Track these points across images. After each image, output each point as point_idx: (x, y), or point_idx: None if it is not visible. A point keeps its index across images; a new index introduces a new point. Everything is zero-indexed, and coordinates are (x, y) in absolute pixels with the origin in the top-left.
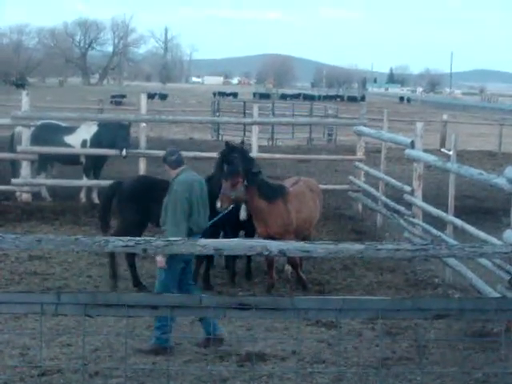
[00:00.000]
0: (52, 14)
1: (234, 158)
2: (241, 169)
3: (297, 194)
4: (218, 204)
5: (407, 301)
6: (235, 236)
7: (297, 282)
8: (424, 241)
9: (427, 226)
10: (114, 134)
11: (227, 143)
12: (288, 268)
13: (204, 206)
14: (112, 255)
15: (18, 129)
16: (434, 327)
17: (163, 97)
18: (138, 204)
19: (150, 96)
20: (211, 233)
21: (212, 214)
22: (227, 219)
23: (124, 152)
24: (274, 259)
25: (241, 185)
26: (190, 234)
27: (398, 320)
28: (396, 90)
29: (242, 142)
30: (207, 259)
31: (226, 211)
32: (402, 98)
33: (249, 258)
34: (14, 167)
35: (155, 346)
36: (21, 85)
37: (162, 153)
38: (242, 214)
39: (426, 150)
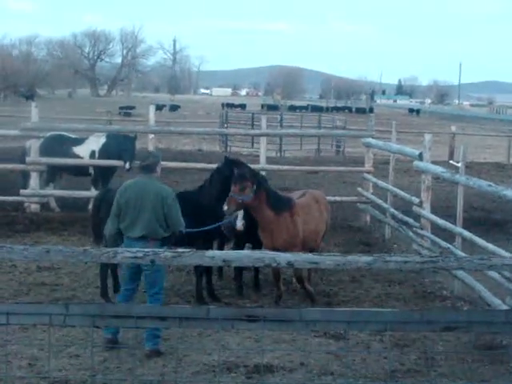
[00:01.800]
0: (61, 25)
1: (243, 164)
2: (250, 173)
3: (303, 206)
4: (225, 206)
5: (416, 313)
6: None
7: (305, 295)
8: (432, 253)
9: (436, 238)
10: (121, 146)
11: (226, 157)
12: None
13: (144, 211)
14: (103, 267)
15: (31, 141)
16: (443, 339)
17: (175, 108)
18: None
19: (159, 107)
20: (205, 242)
21: (201, 223)
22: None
23: (127, 165)
24: (280, 271)
25: (250, 190)
26: (117, 235)
27: (406, 332)
28: (404, 101)
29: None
30: (206, 271)
31: (220, 223)
32: (411, 110)
33: (257, 269)
34: (23, 178)
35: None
36: (30, 96)
37: (170, 164)
38: (239, 224)
39: (434, 162)
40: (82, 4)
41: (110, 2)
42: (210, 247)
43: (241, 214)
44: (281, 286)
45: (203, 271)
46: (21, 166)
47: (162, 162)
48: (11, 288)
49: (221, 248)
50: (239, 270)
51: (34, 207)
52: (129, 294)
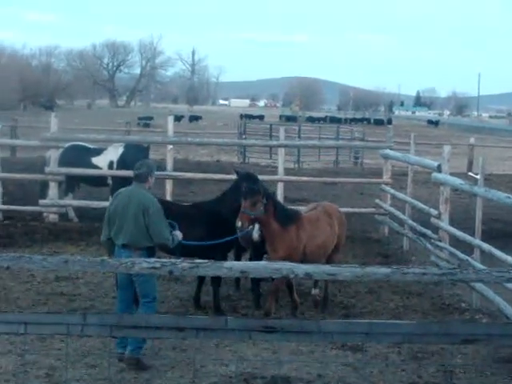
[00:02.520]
0: (81, 36)
1: (254, 178)
2: (260, 187)
3: (311, 220)
4: (239, 223)
5: (434, 325)
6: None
7: (292, 303)
8: (451, 265)
9: (454, 250)
10: (137, 156)
11: (237, 171)
12: (316, 292)
13: (126, 220)
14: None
15: (50, 151)
16: (461, 352)
17: (196, 118)
18: None
19: (177, 118)
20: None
21: (218, 233)
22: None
23: None
24: (292, 282)
25: (260, 204)
26: (110, 243)
27: (424, 344)
28: (423, 113)
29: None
30: (199, 280)
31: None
32: (430, 122)
33: (274, 280)
34: (42, 188)
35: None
36: (49, 107)
37: (189, 175)
38: (255, 235)
39: (452, 174)
40: (102, 15)
41: (130, 14)
42: (225, 258)
43: (257, 224)
44: (295, 297)
45: (220, 282)
46: (40, 176)
47: (180, 173)
48: (29, 298)
49: (238, 259)
50: (257, 281)
51: (53, 217)
52: (124, 304)
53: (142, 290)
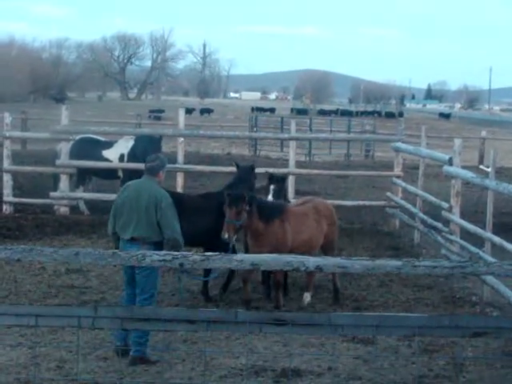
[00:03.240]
0: (91, 28)
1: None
2: (245, 194)
3: (297, 214)
4: (225, 235)
5: (444, 318)
6: None
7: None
8: (462, 258)
9: (465, 243)
10: (148, 148)
11: (237, 164)
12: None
13: (136, 213)
14: None
15: (61, 144)
16: (472, 345)
17: (208, 111)
18: None
19: (188, 111)
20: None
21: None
22: None
23: None
24: (249, 275)
25: (245, 211)
26: (117, 237)
27: (435, 337)
28: (434, 106)
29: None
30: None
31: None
32: (442, 114)
33: (285, 273)
34: (53, 181)
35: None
36: (60, 99)
37: (199, 168)
38: None
39: (464, 167)
40: (113, 8)
41: (140, 6)
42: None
43: (269, 198)
44: (248, 290)
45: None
46: (51, 169)
47: (191, 166)
48: (40, 290)
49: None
50: (267, 274)
51: (64, 210)
52: (130, 298)
53: (141, 286)
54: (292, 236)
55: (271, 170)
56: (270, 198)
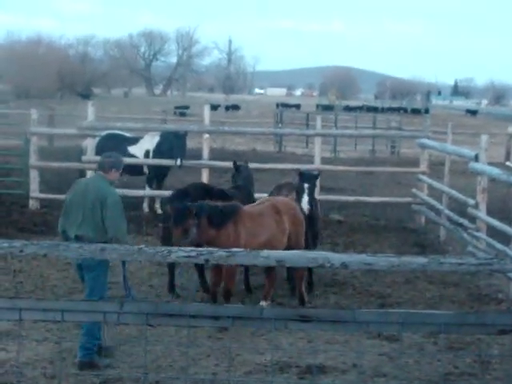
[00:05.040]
0: (117, 25)
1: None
2: (190, 207)
3: (253, 215)
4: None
5: (470, 315)
6: None
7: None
8: (488, 255)
9: (491, 240)
10: (173, 144)
11: (235, 164)
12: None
13: (82, 211)
14: (171, 266)
15: (87, 141)
16: (498, 343)
17: (234, 108)
18: None
19: (214, 107)
20: None
21: None
22: None
23: (178, 162)
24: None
25: (193, 226)
26: (66, 235)
27: (460, 335)
28: (460, 102)
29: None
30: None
31: None
32: (469, 111)
33: (310, 269)
34: (80, 177)
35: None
36: (86, 95)
37: (224, 164)
38: (305, 207)
39: (490, 163)
40: (139, 5)
41: (166, 3)
42: None
43: (306, 198)
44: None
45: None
46: (77, 165)
47: (216, 162)
48: (66, 285)
49: None
50: (292, 270)
51: None
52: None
53: (88, 287)
54: (247, 239)
55: (296, 167)
56: (305, 197)
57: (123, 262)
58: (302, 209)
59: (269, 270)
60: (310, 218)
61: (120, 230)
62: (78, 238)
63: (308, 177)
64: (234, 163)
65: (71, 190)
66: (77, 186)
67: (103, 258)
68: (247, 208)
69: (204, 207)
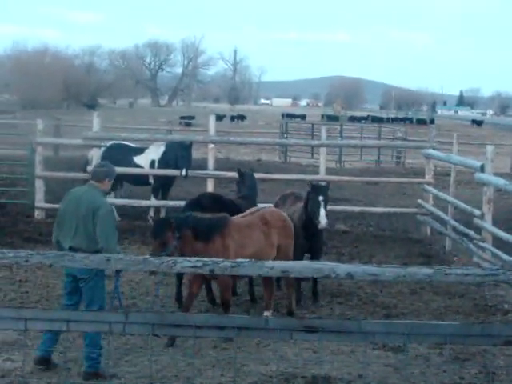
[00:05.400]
0: (123, 35)
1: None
2: (170, 221)
3: (241, 226)
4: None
5: (476, 326)
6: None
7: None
8: (494, 266)
9: (497, 251)
10: (179, 154)
11: (239, 170)
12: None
13: (75, 221)
14: (179, 276)
15: (93, 151)
16: (504, 353)
17: (240, 118)
18: None
19: (219, 117)
20: None
21: None
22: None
23: (184, 172)
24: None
25: (172, 239)
26: (61, 246)
27: (466, 346)
28: (466, 112)
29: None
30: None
31: None
32: (474, 121)
33: (315, 280)
34: None
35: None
36: (92, 106)
37: (229, 174)
38: (323, 222)
39: (496, 174)
40: (144, 15)
41: (172, 14)
42: None
43: (323, 211)
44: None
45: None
46: (82, 175)
47: (221, 172)
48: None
49: None
50: (297, 281)
51: None
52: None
53: (87, 298)
54: (235, 251)
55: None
56: (322, 210)
57: (117, 272)
58: (319, 222)
59: (266, 280)
60: (319, 230)
61: (110, 241)
62: (72, 249)
63: (322, 189)
64: (239, 171)
65: (64, 200)
66: (70, 195)
67: (100, 268)
68: (235, 219)
69: (188, 220)
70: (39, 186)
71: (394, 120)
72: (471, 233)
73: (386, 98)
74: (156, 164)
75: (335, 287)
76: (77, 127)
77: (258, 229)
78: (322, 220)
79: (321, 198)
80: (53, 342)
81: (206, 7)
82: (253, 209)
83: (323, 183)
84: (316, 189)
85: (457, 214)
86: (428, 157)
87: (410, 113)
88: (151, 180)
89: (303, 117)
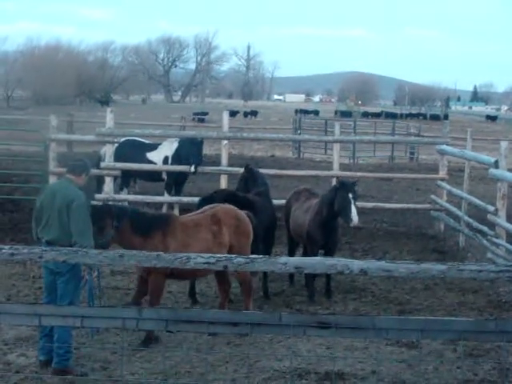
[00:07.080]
0: (136, 31)
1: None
2: (110, 208)
3: (188, 225)
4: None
5: (490, 322)
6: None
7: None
8: (508, 262)
9: (511, 247)
10: (191, 151)
11: (247, 167)
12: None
13: (50, 215)
14: None
15: (106, 147)
16: None
17: (253, 114)
18: None
19: (232, 113)
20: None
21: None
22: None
23: (192, 168)
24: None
25: (109, 228)
26: (41, 242)
27: (480, 342)
28: (480, 108)
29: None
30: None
31: None
32: (489, 117)
33: (328, 276)
34: (98, 183)
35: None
36: (105, 102)
37: (242, 170)
38: (355, 220)
39: (510, 170)
40: (158, 11)
41: (185, 9)
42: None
43: (354, 209)
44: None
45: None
46: (95, 171)
47: (234, 168)
48: (85, 292)
49: (291, 254)
50: (311, 277)
51: None
52: None
53: (60, 293)
54: (176, 251)
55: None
56: (353, 208)
57: (90, 268)
58: (351, 220)
59: (219, 276)
60: (336, 227)
61: (83, 235)
62: (48, 243)
63: (351, 186)
64: (246, 167)
65: (41, 195)
66: (46, 190)
67: (76, 263)
68: (182, 218)
69: (128, 211)
70: (53, 182)
71: (408, 116)
72: (485, 229)
73: (399, 94)
74: (169, 160)
75: (349, 283)
76: (90, 123)
77: (207, 228)
78: (354, 217)
79: (350, 195)
80: (51, 343)
81: (219, 2)
82: (206, 207)
83: (352, 180)
84: (345, 186)
85: (470, 210)
86: (442, 152)
87: (423, 108)
88: (164, 176)
89: (316, 112)
